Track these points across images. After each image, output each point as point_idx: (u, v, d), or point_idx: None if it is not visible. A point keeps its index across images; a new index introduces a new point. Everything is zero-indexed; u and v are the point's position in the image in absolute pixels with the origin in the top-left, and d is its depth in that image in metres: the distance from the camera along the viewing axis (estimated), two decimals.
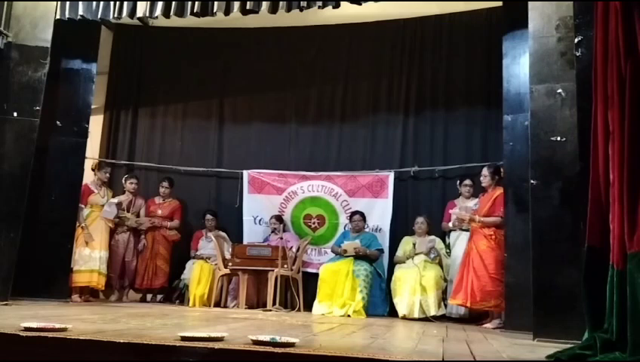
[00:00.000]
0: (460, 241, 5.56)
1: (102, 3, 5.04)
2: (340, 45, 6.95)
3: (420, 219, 5.88)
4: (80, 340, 2.19)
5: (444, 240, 5.81)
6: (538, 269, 3.75)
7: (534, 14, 4.09)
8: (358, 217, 6.10)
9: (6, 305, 4.33)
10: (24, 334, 2.24)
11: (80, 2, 5.04)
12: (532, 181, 3.88)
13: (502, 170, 5.07)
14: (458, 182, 5.87)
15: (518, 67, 4.70)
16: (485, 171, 5.32)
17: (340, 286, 5.59)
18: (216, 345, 2.13)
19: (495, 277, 4.85)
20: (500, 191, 5.09)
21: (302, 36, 6.94)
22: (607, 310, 2.48)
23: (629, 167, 2.39)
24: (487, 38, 6.11)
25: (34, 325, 2.37)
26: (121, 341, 2.16)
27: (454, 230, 5.68)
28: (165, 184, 6.59)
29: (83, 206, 5.77)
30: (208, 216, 6.50)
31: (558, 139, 3.81)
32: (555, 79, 3.91)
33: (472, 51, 6.44)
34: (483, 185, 5.35)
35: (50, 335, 2.25)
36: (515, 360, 2.61)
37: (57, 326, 2.41)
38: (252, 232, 6.61)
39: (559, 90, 3.87)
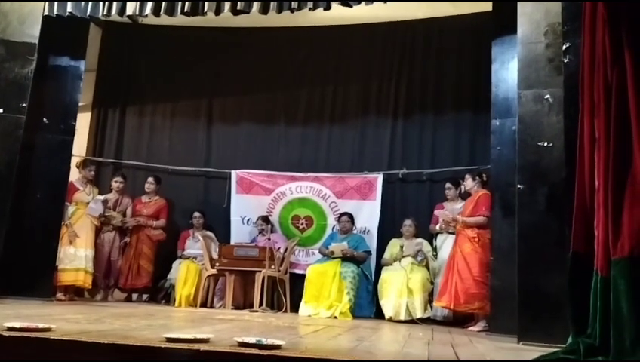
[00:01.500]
0: (446, 244, 5.60)
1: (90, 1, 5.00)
2: (330, 47, 6.96)
3: (407, 222, 5.90)
4: (64, 341, 2.17)
5: (431, 243, 5.84)
6: (523, 273, 3.78)
7: (523, 20, 4.13)
8: (346, 218, 6.11)
9: None
10: (7, 334, 2.22)
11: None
12: (518, 186, 3.92)
13: (484, 174, 5.16)
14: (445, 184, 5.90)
15: (507, 72, 4.73)
16: (467, 175, 5.43)
17: (326, 287, 5.59)
18: (202, 347, 2.12)
19: (479, 280, 4.89)
20: (482, 192, 5.15)
21: (292, 37, 6.94)
22: (591, 315, 2.50)
23: (614, 174, 2.41)
24: (477, 43, 6.13)
25: (17, 325, 2.34)
26: (106, 342, 2.15)
27: (441, 233, 5.72)
28: (151, 180, 6.55)
29: (68, 203, 5.71)
30: (196, 214, 6.48)
31: (545, 144, 3.85)
32: (542, 85, 3.95)
33: (462, 55, 6.48)
34: (466, 189, 5.43)
35: (33, 335, 2.22)
36: None
37: (41, 326, 2.38)
38: (240, 232, 6.59)
39: (547, 96, 3.91)
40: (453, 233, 5.45)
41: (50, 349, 2.14)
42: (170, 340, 2.22)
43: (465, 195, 5.60)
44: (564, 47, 3.63)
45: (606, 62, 2.56)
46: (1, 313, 3.45)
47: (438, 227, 5.71)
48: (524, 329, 3.66)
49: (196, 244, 6.31)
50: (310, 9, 4.84)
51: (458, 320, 5.29)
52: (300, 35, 6.90)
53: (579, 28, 3.21)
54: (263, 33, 6.85)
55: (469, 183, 5.35)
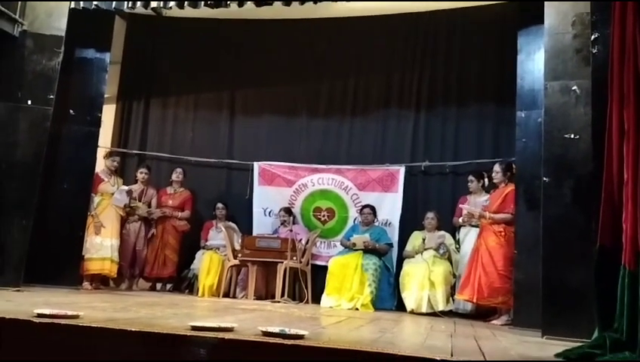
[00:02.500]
0: (469, 237, 5.55)
1: None
2: (352, 38, 6.91)
3: (430, 215, 5.87)
4: (92, 327, 2.22)
5: (454, 236, 5.80)
6: (548, 267, 3.75)
7: (550, 10, 4.06)
8: (368, 210, 6.10)
9: (18, 291, 4.38)
10: (37, 320, 2.27)
11: None
12: (544, 178, 3.87)
13: (514, 166, 5.06)
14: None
15: (533, 63, 4.67)
16: (497, 167, 5.31)
17: (348, 279, 5.60)
18: (227, 336, 2.15)
19: (503, 274, 4.85)
20: (510, 187, 5.07)
21: (314, 29, 6.92)
22: (618, 310, 2.47)
23: None
24: (501, 34, 6.04)
25: (47, 312, 2.40)
26: (133, 329, 2.19)
27: (464, 226, 5.67)
28: (179, 170, 6.62)
29: (94, 194, 5.81)
30: (219, 205, 6.53)
31: (572, 136, 3.79)
32: (569, 76, 3.89)
33: (486, 46, 6.39)
34: (494, 181, 5.34)
35: (62, 322, 2.27)
36: (525, 358, 2.61)
37: (70, 313, 2.44)
38: (262, 224, 6.63)
39: (574, 88, 3.85)
40: (476, 226, 5.40)
41: (79, 335, 2.19)
42: (195, 328, 2.25)
43: (489, 187, 5.53)
44: (592, 37, 3.55)
45: (637, 52, 2.52)
46: (30, 300, 3.54)
47: (460, 220, 5.67)
48: (549, 324, 3.63)
49: (219, 235, 6.37)
50: (333, 0, 4.81)
51: (480, 313, 5.26)
52: (322, 26, 6.87)
53: (608, 18, 3.16)
54: (285, 25, 6.84)
55: (498, 176, 5.26)
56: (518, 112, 4.73)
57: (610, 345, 2.39)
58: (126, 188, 6.07)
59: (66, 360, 2.16)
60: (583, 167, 3.63)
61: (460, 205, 5.68)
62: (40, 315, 2.35)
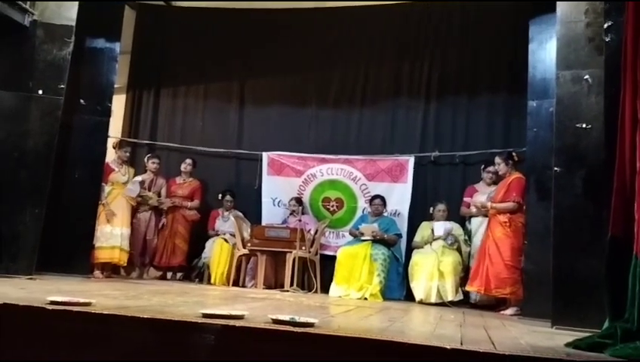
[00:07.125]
0: (482, 228, 5.53)
1: None
2: (362, 27, 6.89)
3: (441, 206, 5.85)
4: (104, 315, 2.24)
5: (463, 227, 5.78)
6: (558, 257, 3.73)
7: None
8: (379, 201, 6.09)
9: (30, 279, 4.42)
10: (50, 307, 2.30)
11: None
12: (555, 168, 3.84)
13: (514, 154, 5.07)
14: (482, 166, 5.78)
15: (545, 52, 4.63)
16: (497, 159, 5.33)
17: (357, 269, 5.61)
18: (237, 323, 2.16)
19: (510, 265, 4.84)
20: (515, 175, 5.07)
21: (324, 18, 6.89)
22: (629, 300, 2.46)
23: None
24: (513, 22, 5.98)
25: (59, 299, 2.42)
26: (145, 316, 2.21)
27: (476, 216, 5.64)
28: (189, 161, 6.64)
29: (104, 184, 5.85)
30: (228, 197, 6.56)
31: (584, 126, 3.76)
32: (582, 65, 3.85)
33: (497, 35, 6.33)
34: (499, 173, 5.34)
35: (75, 309, 2.30)
36: (534, 348, 2.61)
37: (82, 300, 2.46)
38: (271, 214, 6.65)
39: (586, 77, 3.81)
40: (487, 216, 5.39)
41: (92, 322, 2.21)
42: (206, 316, 2.27)
43: (497, 179, 5.51)
44: (605, 25, 3.51)
45: None
46: (43, 288, 3.57)
47: (474, 210, 5.64)
48: (558, 314, 3.62)
49: (226, 223, 6.40)
50: None
51: (492, 304, 5.23)
52: (332, 15, 6.85)
53: (621, 6, 3.12)
54: (295, 15, 6.82)
55: (502, 168, 5.25)
56: (530, 102, 4.70)
57: (620, 335, 2.38)
58: (139, 178, 6.13)
59: (79, 347, 2.19)
60: (595, 156, 3.60)
61: (465, 198, 5.66)
62: (53, 302, 2.37)
